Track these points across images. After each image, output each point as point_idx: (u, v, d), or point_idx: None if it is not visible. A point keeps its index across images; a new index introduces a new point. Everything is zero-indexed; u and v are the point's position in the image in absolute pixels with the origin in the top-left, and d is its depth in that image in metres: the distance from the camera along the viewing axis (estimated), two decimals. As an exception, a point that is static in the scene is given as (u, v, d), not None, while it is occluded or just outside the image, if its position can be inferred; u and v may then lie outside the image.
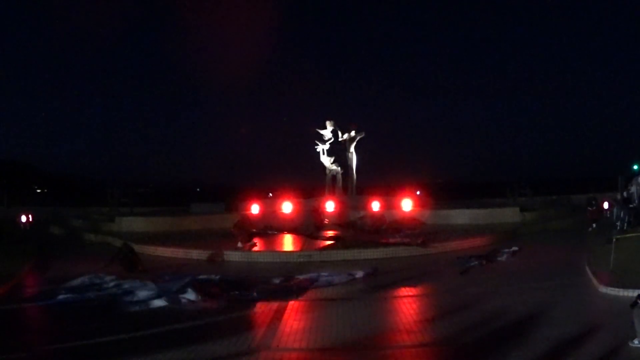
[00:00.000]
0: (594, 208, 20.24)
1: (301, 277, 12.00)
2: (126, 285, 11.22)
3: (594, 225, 18.97)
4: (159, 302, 9.98)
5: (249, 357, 6.96)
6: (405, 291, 10.93)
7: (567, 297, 9.80)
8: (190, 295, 10.31)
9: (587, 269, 11.66)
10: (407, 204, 21.60)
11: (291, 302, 9.98)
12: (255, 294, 10.61)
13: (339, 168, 24.37)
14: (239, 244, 15.84)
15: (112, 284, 11.51)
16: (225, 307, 9.78)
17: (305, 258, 14.74)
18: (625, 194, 18.86)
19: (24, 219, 16.30)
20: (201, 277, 12.01)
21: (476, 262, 13.27)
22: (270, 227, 19.54)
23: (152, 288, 10.79)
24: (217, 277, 12.13)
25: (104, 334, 8.19)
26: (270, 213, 21.79)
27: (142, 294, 10.48)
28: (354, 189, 24.45)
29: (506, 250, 14.76)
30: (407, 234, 17.91)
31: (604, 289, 9.95)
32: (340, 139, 24.17)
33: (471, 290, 10.72)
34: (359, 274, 12.31)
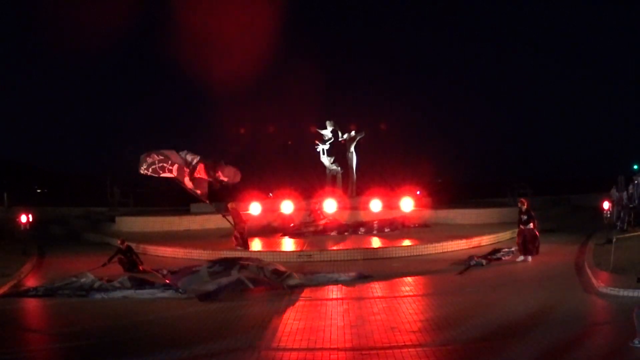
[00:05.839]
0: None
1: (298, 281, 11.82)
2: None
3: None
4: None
5: (249, 357, 6.96)
6: (405, 291, 10.93)
7: (567, 297, 9.80)
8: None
9: (587, 268, 11.66)
10: (407, 204, 21.56)
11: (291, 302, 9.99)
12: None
13: (339, 168, 24.35)
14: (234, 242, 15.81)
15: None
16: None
17: (305, 258, 14.75)
18: (624, 195, 18.56)
19: (24, 219, 16.22)
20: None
21: (476, 262, 13.27)
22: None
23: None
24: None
25: (106, 334, 8.21)
26: (270, 213, 21.79)
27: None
28: (354, 189, 24.45)
29: (506, 250, 14.76)
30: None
31: (604, 289, 9.95)
32: (340, 139, 24.15)
33: (471, 290, 10.72)
34: (355, 275, 12.18)
